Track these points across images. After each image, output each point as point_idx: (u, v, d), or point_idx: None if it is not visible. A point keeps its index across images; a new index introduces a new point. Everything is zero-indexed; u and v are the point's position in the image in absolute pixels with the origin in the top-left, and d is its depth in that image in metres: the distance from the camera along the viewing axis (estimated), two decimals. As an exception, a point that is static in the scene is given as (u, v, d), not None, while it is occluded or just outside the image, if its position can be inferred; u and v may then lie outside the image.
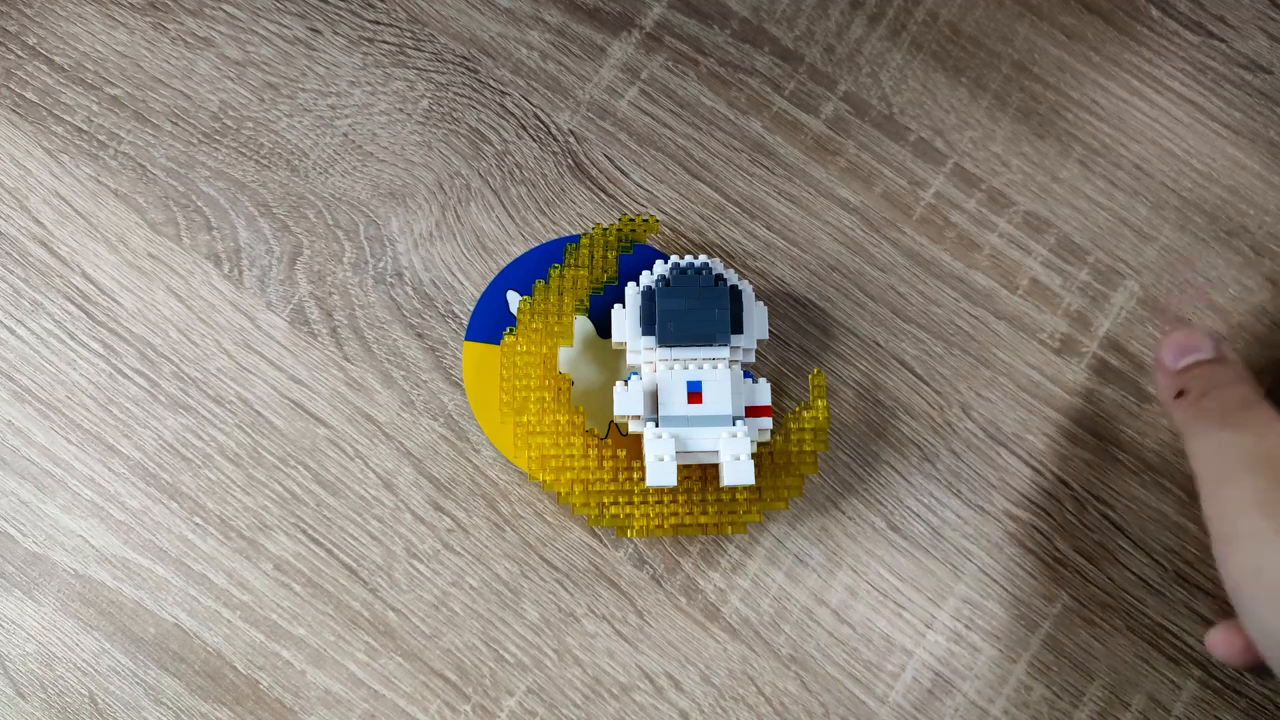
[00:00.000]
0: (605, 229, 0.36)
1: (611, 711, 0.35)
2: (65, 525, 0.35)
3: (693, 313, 0.33)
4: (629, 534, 0.35)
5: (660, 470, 0.32)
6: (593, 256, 0.36)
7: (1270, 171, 0.39)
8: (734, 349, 0.34)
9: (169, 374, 0.37)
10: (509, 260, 0.38)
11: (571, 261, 0.36)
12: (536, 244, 0.38)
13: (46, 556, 0.35)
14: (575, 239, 0.37)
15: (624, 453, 0.35)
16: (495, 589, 0.36)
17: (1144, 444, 0.37)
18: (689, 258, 0.34)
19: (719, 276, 0.34)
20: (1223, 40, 0.40)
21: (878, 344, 0.38)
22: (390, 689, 0.35)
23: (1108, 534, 0.36)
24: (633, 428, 0.34)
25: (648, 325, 0.33)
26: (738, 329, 0.34)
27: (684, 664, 0.35)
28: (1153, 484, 0.37)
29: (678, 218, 0.38)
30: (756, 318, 0.34)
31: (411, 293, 0.37)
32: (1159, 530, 0.36)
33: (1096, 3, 0.40)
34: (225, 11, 0.39)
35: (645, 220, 0.37)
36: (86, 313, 0.37)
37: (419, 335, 0.37)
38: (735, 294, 0.34)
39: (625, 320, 0.34)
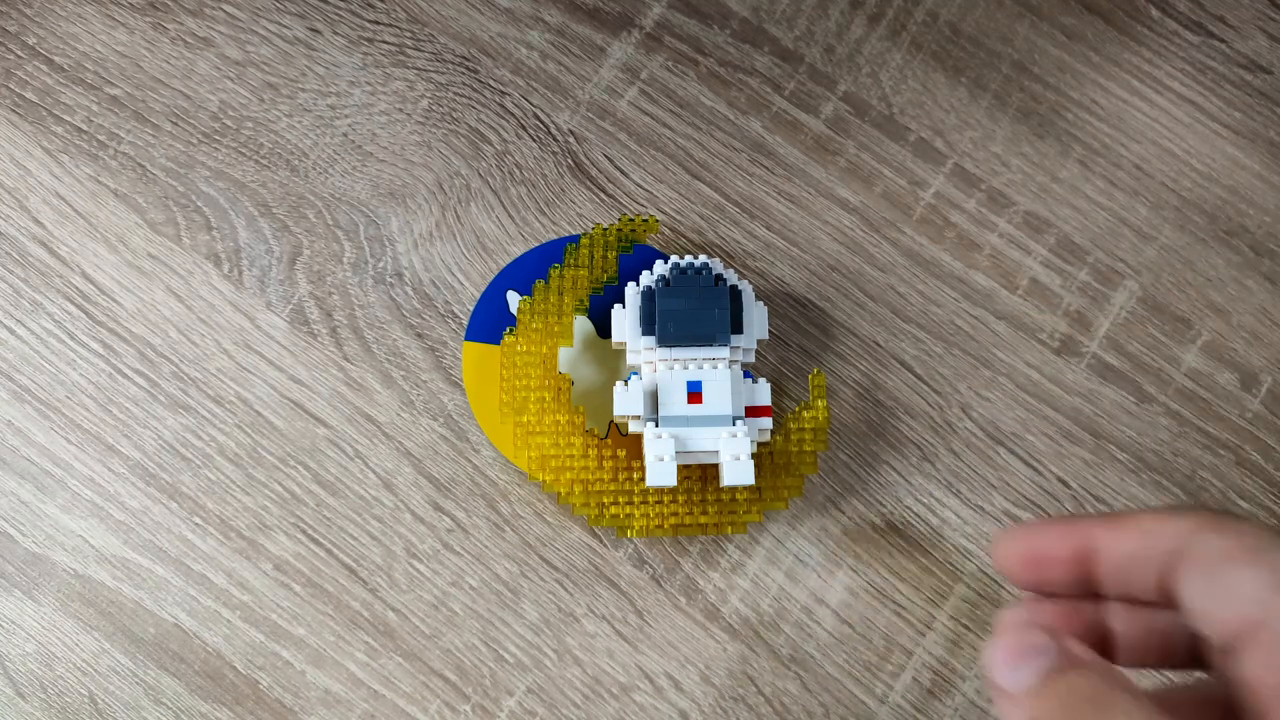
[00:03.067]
0: (605, 229, 0.36)
1: (611, 711, 0.35)
2: (65, 525, 0.35)
3: (693, 313, 0.33)
4: (629, 534, 0.35)
5: (660, 470, 0.32)
6: (593, 256, 0.36)
7: (1270, 171, 0.39)
8: (734, 349, 0.34)
9: (169, 374, 0.37)
10: (509, 260, 0.38)
11: (571, 261, 0.36)
12: (536, 244, 0.38)
13: (46, 556, 0.35)
14: (575, 239, 0.37)
15: (624, 453, 0.35)
16: (495, 589, 0.36)
17: (1143, 444, 0.37)
18: (689, 258, 0.34)
19: (719, 276, 0.33)
20: (1223, 40, 0.40)
21: (878, 344, 0.38)
22: (390, 689, 0.35)
23: (1107, 534, 0.36)
24: (633, 428, 0.34)
25: (648, 325, 0.33)
26: (737, 329, 0.33)
27: (684, 664, 0.35)
28: (1151, 484, 0.37)
29: (678, 218, 0.38)
30: (756, 318, 0.34)
31: (411, 293, 0.37)
32: (1159, 530, 0.36)
33: (1096, 3, 0.40)
34: (225, 11, 0.39)
35: (645, 220, 0.36)
36: (86, 313, 0.37)
37: (419, 335, 0.37)
38: (735, 294, 0.34)
39: (625, 320, 0.34)
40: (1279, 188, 0.39)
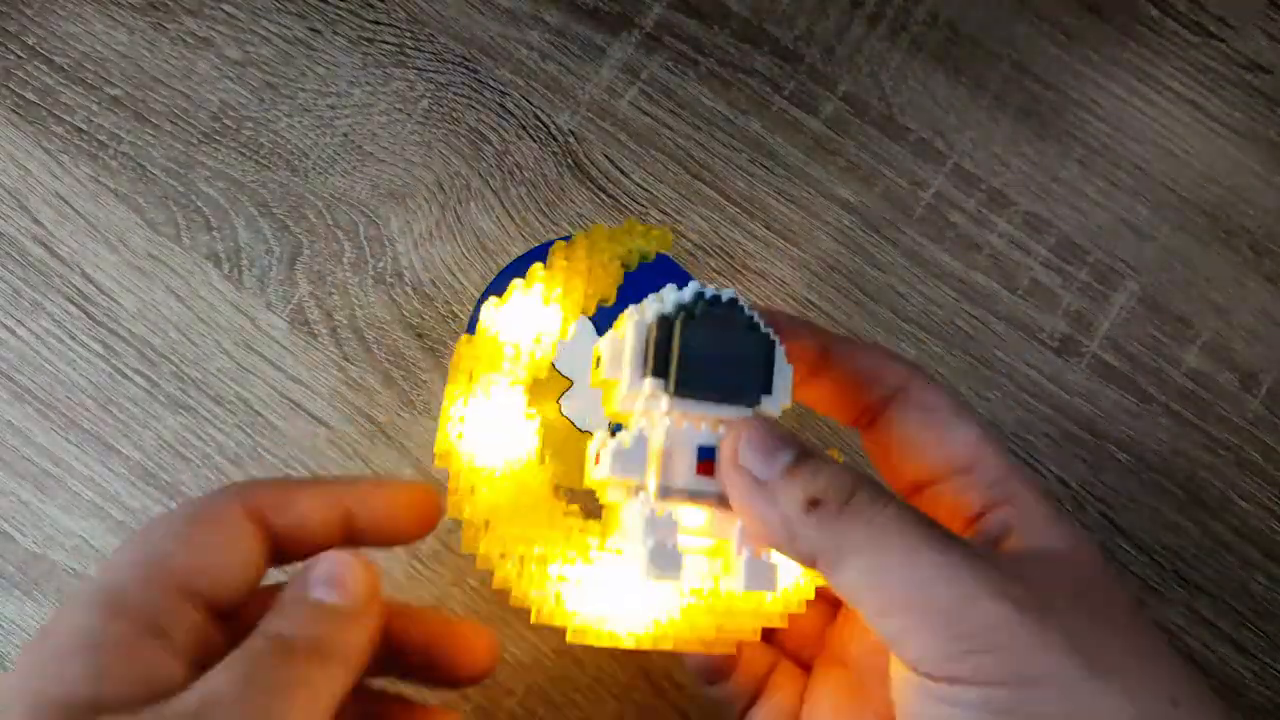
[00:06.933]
0: (609, 232, 0.28)
1: (611, 711, 0.35)
2: (65, 525, 0.35)
3: (726, 359, 0.24)
4: (588, 641, 0.25)
5: (662, 560, 0.23)
6: (590, 263, 0.27)
7: (1270, 171, 0.39)
8: (757, 413, 0.25)
9: (169, 374, 0.37)
10: (509, 260, 0.38)
11: (562, 261, 0.26)
12: (536, 244, 0.38)
13: (46, 556, 0.35)
14: (568, 238, 0.36)
15: (598, 527, 0.25)
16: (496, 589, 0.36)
17: (1144, 444, 0.37)
18: (712, 287, 0.25)
19: (751, 318, 0.25)
20: (1223, 40, 0.40)
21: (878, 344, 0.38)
22: (390, 689, 0.35)
23: (1107, 534, 0.36)
24: (611, 496, 0.25)
25: (660, 365, 0.24)
26: (769, 387, 0.25)
27: (684, 664, 0.35)
28: (1152, 484, 0.37)
29: (677, 218, 0.38)
30: (785, 380, 0.25)
31: (411, 293, 0.37)
32: (1158, 530, 0.36)
33: (1096, 3, 0.40)
34: (225, 11, 0.39)
35: (658, 228, 0.28)
36: (86, 313, 0.37)
37: (419, 335, 0.37)
38: (770, 343, 0.25)
39: (621, 353, 0.25)
40: (1279, 188, 0.39)
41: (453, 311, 0.37)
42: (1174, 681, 0.20)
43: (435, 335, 0.37)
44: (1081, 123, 0.40)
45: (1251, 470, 0.37)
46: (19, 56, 0.39)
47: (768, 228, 0.38)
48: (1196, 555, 0.36)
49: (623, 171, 0.39)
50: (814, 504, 0.21)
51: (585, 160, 0.39)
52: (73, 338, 0.37)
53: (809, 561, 0.22)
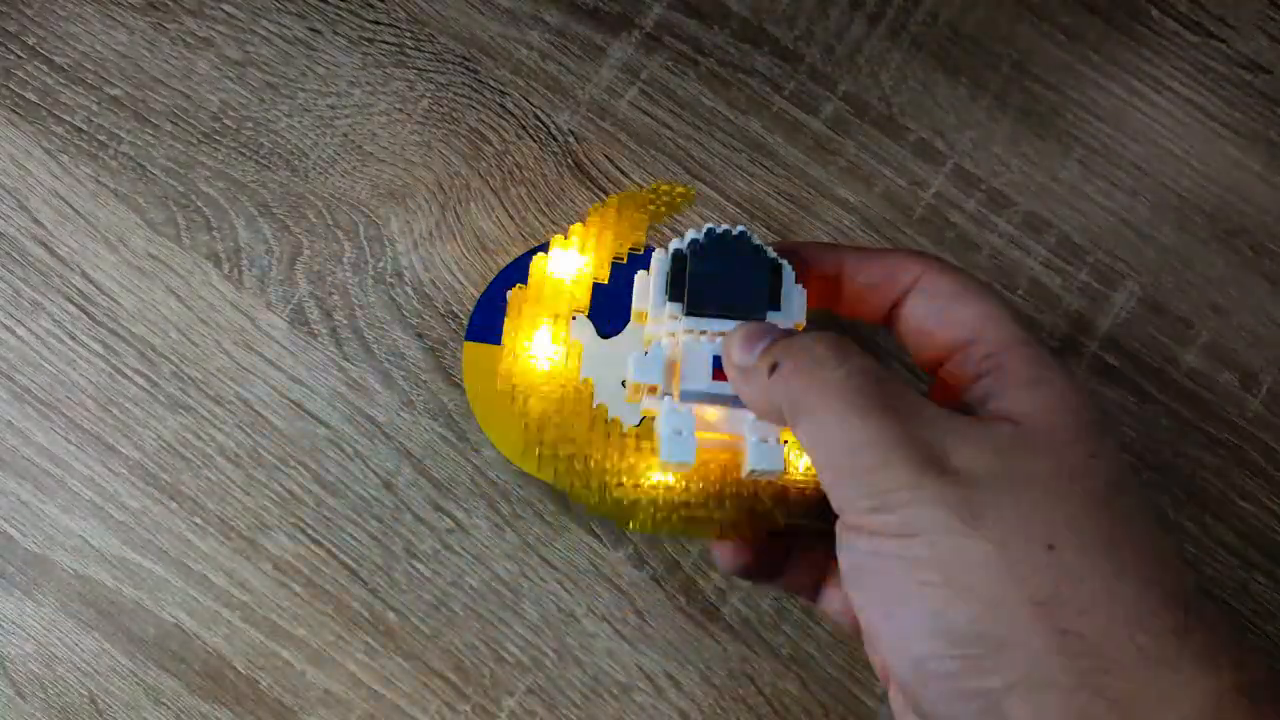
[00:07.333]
0: (638, 192, 0.33)
1: (611, 711, 0.35)
2: (65, 525, 0.35)
3: (728, 280, 0.29)
4: (632, 526, 0.29)
5: (678, 445, 0.27)
6: (620, 218, 0.33)
7: (1270, 171, 0.39)
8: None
9: (169, 374, 0.37)
10: (509, 260, 0.38)
11: (597, 220, 0.32)
12: (536, 244, 0.38)
13: (46, 556, 0.35)
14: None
15: (634, 430, 0.30)
16: (495, 589, 0.36)
17: (1143, 444, 0.37)
18: (724, 225, 0.30)
19: (758, 246, 0.29)
20: (1223, 40, 0.40)
21: (878, 344, 0.38)
22: (390, 689, 0.35)
23: (1107, 534, 0.36)
24: (645, 404, 0.30)
25: (675, 291, 0.29)
26: (775, 305, 0.29)
27: (684, 664, 0.35)
28: (1152, 484, 0.37)
29: (678, 218, 0.38)
30: (796, 300, 0.29)
31: (411, 293, 0.37)
32: (1159, 530, 0.37)
33: (1096, 3, 0.40)
34: (225, 11, 0.39)
35: (682, 190, 0.33)
36: (86, 313, 0.37)
37: (419, 335, 0.37)
38: (775, 267, 0.29)
39: (648, 286, 0.30)
40: (1279, 188, 0.39)
41: (453, 311, 0.37)
42: (1062, 525, 0.22)
43: (435, 335, 0.37)
44: (1081, 123, 0.40)
45: (1251, 470, 0.37)
46: (19, 56, 0.39)
47: (768, 228, 0.38)
48: (1196, 555, 0.36)
49: (623, 171, 0.39)
50: (774, 368, 0.25)
51: (585, 160, 0.39)
52: (73, 338, 0.37)
53: (779, 419, 0.25)
